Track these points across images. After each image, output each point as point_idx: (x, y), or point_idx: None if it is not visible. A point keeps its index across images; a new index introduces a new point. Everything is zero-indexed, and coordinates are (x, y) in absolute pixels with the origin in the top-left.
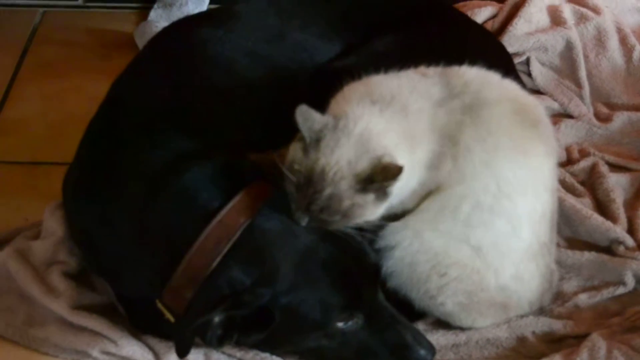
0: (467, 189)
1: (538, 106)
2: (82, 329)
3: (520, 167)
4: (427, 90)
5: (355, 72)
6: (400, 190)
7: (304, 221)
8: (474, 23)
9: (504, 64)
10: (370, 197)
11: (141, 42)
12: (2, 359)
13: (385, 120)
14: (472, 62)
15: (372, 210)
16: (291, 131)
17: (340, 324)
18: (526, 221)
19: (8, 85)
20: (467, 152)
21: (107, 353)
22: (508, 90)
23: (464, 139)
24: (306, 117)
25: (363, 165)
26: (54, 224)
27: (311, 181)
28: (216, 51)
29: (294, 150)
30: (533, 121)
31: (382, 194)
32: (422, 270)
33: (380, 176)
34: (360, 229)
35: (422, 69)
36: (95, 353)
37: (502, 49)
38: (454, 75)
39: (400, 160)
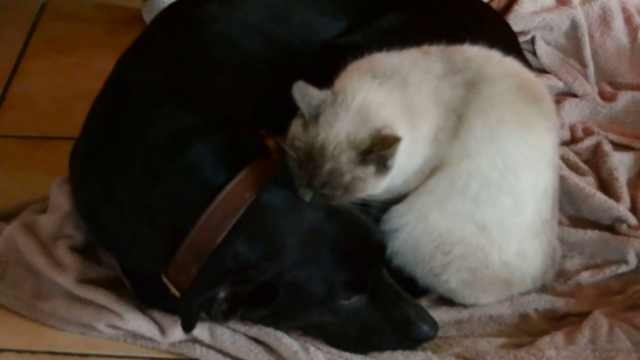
0: (473, 166)
1: (539, 83)
2: (88, 303)
3: (524, 142)
4: (428, 66)
5: (361, 50)
6: (404, 168)
7: (308, 197)
8: (480, 1)
9: (509, 42)
10: (371, 169)
11: (149, 18)
12: (9, 331)
13: (384, 93)
14: (477, 40)
15: (373, 184)
16: (296, 108)
17: (344, 301)
18: (529, 197)
19: (17, 60)
20: (469, 126)
21: (113, 326)
22: (510, 67)
23: (466, 113)
24: (304, 93)
25: (362, 137)
26: (60, 198)
27: (311, 156)
28: (221, 28)
29: (295, 127)
30: (535, 97)
31: (383, 166)
32: (427, 249)
33: (378, 146)
34: (365, 206)
35: (425, 47)
36: (101, 326)
37: (508, 27)
38: (456, 52)
39: (400, 132)
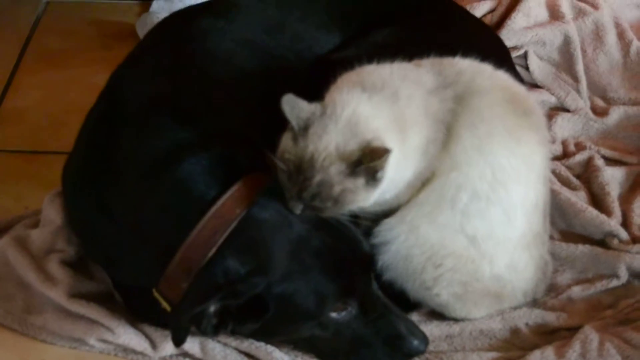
0: (462, 177)
1: (529, 96)
2: (79, 317)
3: (514, 155)
4: (419, 79)
5: (355, 65)
6: (395, 181)
7: (298, 209)
8: (472, 16)
9: (501, 57)
10: (361, 181)
11: (143, 33)
12: (0, 346)
13: (373, 105)
14: (470, 55)
15: (363, 196)
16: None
17: (333, 314)
18: (520, 210)
19: (10, 74)
20: (458, 138)
21: (104, 341)
22: (500, 80)
23: (455, 126)
24: (293, 105)
25: (351, 148)
26: (52, 213)
27: (301, 169)
28: (216, 42)
29: (285, 140)
30: (525, 110)
31: (372, 178)
32: (418, 262)
33: (368, 158)
34: (355, 217)
35: (416, 61)
36: (92, 341)
37: (500, 42)
38: (447, 65)
39: (390, 144)
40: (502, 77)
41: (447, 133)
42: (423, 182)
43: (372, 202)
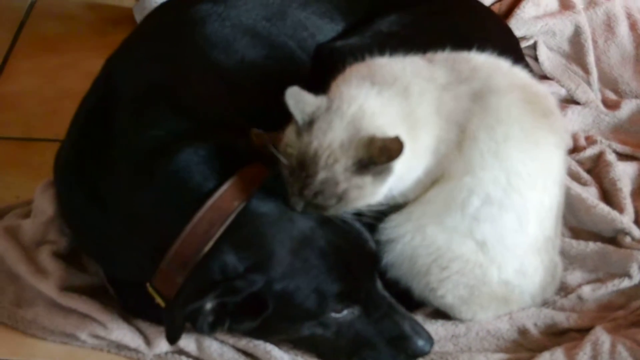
0: (475, 181)
1: (549, 96)
2: (71, 311)
3: (531, 159)
4: (431, 75)
5: (358, 53)
6: (404, 179)
7: (300, 206)
8: (481, 4)
9: (510, 47)
10: (368, 178)
11: (140, 17)
12: None
13: (382, 101)
14: (477, 44)
15: (371, 192)
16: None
17: (336, 314)
18: (533, 216)
19: (3, 60)
20: (473, 140)
21: (96, 336)
22: (519, 78)
23: (470, 127)
24: (297, 99)
25: (357, 145)
26: (44, 203)
27: (304, 165)
28: (215, 28)
29: (289, 133)
30: (544, 111)
31: (381, 174)
32: (423, 262)
33: (383, 157)
34: (359, 215)
35: (429, 55)
36: (84, 336)
37: (509, 31)
38: (461, 61)
39: None
40: (520, 74)
41: (460, 133)
42: (432, 181)
43: (379, 198)
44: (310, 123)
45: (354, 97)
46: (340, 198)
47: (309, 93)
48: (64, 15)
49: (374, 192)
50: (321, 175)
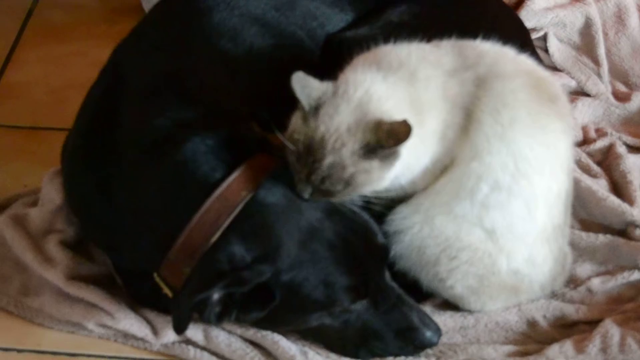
0: (483, 167)
1: (555, 82)
2: (78, 300)
3: (538, 144)
4: (437, 60)
5: (369, 44)
6: (411, 167)
7: (307, 193)
8: None
9: (520, 38)
10: (375, 162)
11: (148, 6)
12: None
13: (388, 85)
14: (488, 35)
15: (378, 176)
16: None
17: (344, 306)
18: (542, 202)
19: (11, 48)
20: (479, 124)
21: (103, 326)
22: (524, 64)
23: (476, 111)
24: (304, 84)
25: (365, 130)
26: (52, 192)
27: (311, 150)
28: (223, 18)
29: (295, 119)
30: (551, 96)
31: (388, 158)
32: (432, 253)
33: (390, 141)
34: (368, 203)
35: (436, 42)
36: (90, 325)
37: (519, 22)
38: (468, 47)
39: None
40: (526, 61)
41: (467, 118)
42: (442, 170)
43: (386, 184)
44: (317, 108)
45: (360, 82)
46: (348, 183)
47: (315, 78)
48: (72, 4)
49: (381, 177)
50: (328, 159)
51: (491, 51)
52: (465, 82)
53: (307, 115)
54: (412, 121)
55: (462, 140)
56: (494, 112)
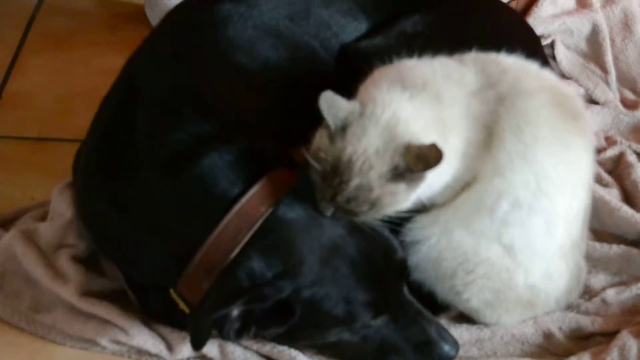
0: (505, 184)
1: (577, 98)
2: (90, 317)
3: (561, 162)
4: (461, 78)
5: (384, 54)
6: (432, 185)
7: (329, 211)
8: (502, 4)
9: (532, 46)
10: (402, 185)
11: (152, 14)
12: (6, 345)
13: (415, 106)
14: (501, 44)
15: (403, 198)
16: (315, 114)
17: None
18: (561, 220)
19: (13, 57)
20: (501, 141)
21: (117, 342)
22: (547, 81)
23: (498, 129)
24: (331, 104)
25: (394, 154)
26: (62, 205)
27: (338, 171)
28: (237, 29)
29: (320, 137)
30: (574, 113)
31: (414, 181)
32: (449, 266)
33: (420, 165)
34: (386, 220)
35: (458, 56)
36: (104, 342)
37: (531, 31)
38: (491, 63)
39: None
40: (549, 77)
41: (489, 135)
42: (462, 186)
43: (410, 204)
44: (343, 128)
45: (387, 103)
46: (373, 204)
47: (342, 98)
48: (74, 11)
49: (406, 199)
50: (355, 181)
51: (514, 67)
52: (488, 100)
53: (333, 135)
54: (437, 139)
55: (484, 157)
56: (516, 130)
